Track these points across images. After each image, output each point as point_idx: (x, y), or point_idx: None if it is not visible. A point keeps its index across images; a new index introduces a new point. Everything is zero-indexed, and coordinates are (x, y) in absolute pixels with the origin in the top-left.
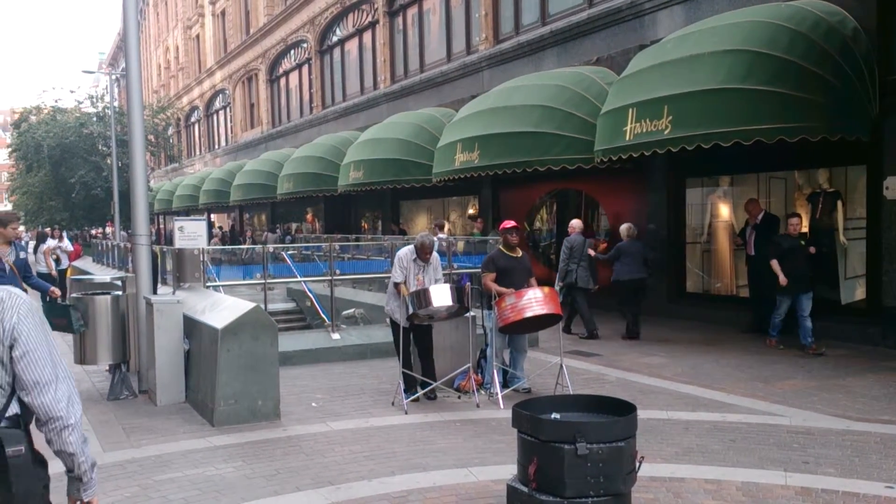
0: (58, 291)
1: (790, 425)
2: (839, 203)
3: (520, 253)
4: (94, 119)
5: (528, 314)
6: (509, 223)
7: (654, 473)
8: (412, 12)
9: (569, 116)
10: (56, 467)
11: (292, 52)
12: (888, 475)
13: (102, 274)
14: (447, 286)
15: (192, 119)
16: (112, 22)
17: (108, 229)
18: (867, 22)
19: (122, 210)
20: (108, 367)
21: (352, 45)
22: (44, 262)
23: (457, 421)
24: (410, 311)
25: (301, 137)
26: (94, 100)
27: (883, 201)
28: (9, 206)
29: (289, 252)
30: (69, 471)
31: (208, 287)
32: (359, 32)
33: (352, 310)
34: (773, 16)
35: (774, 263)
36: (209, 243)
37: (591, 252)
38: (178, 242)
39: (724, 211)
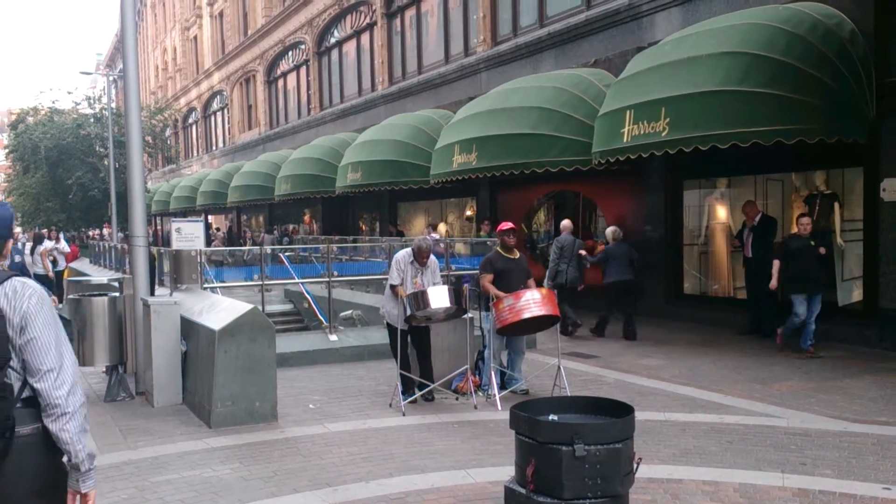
0: (56, 300)
1: (787, 427)
2: (836, 205)
3: (517, 254)
4: (92, 120)
5: (526, 315)
6: (506, 225)
7: (652, 475)
8: (410, 14)
9: (566, 118)
10: None
11: (290, 53)
12: (885, 476)
13: (99, 275)
14: (445, 288)
15: (190, 120)
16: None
17: (106, 231)
18: (865, 24)
19: (119, 211)
20: (105, 369)
21: (350, 47)
22: (40, 264)
23: (454, 423)
24: (408, 312)
25: (299, 139)
26: (92, 101)
27: (880, 203)
28: None
29: (286, 253)
30: (68, 460)
31: (206, 288)
32: (357, 34)
33: (349, 311)
34: (770, 18)
35: (776, 264)
36: (211, 245)
37: (583, 252)
38: (176, 244)
39: (722, 213)
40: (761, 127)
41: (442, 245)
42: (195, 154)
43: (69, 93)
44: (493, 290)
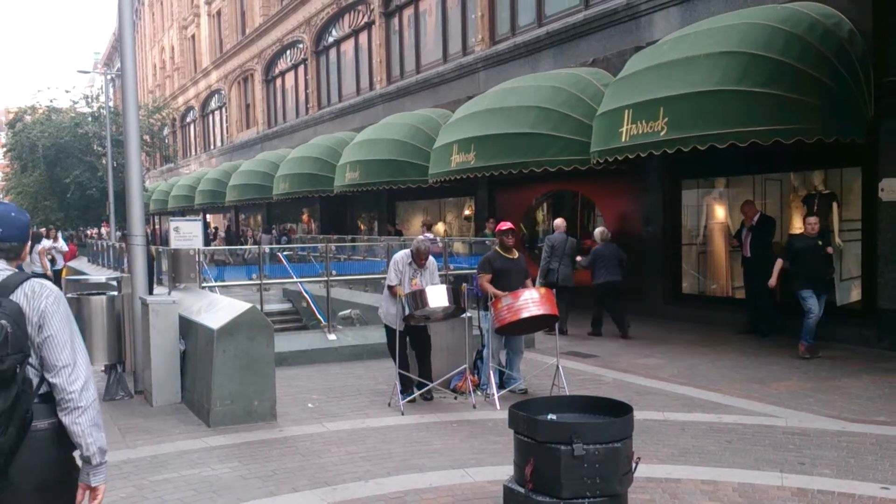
0: None
1: (786, 426)
2: (834, 205)
3: (516, 254)
4: (90, 119)
5: (525, 315)
6: (505, 224)
7: (651, 474)
8: (408, 13)
9: (565, 118)
10: None
11: (288, 52)
12: (883, 476)
13: (98, 274)
14: (443, 287)
15: (188, 119)
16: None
17: (104, 230)
18: (863, 24)
19: (117, 210)
20: (103, 368)
21: (348, 46)
22: (39, 263)
23: (453, 422)
24: (407, 311)
25: (297, 138)
26: (90, 100)
27: (878, 203)
28: None
29: (285, 253)
30: (80, 454)
31: (204, 287)
32: (355, 33)
33: (348, 310)
34: (768, 18)
35: (778, 262)
36: (212, 244)
37: (579, 259)
38: (174, 243)
39: (720, 212)
40: (760, 126)
41: (438, 243)
42: (193, 153)
43: (67, 91)
44: (491, 290)
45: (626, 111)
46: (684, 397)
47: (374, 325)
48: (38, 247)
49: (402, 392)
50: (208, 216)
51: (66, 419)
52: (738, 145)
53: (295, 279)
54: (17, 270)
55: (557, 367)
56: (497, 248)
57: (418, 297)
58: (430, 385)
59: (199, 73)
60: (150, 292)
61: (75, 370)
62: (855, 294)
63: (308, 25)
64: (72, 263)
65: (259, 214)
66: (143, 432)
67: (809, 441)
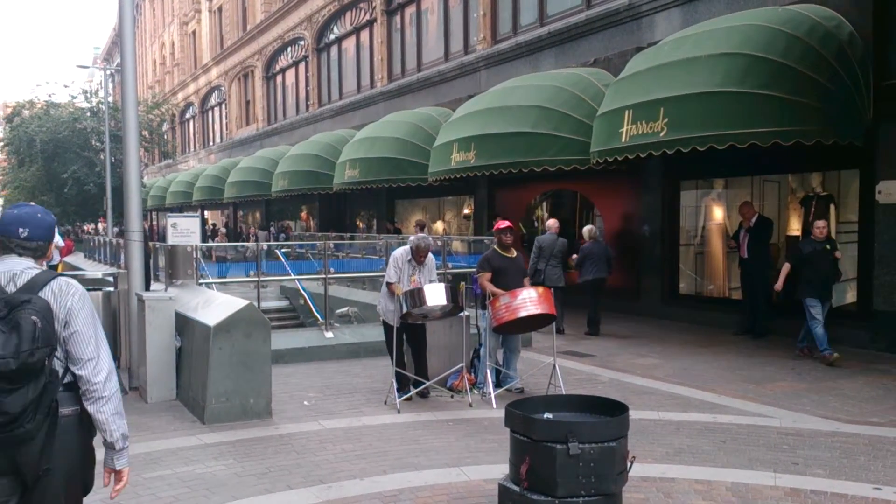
0: None
1: (780, 427)
2: (832, 207)
3: (514, 253)
4: (88, 114)
5: (523, 314)
6: (503, 223)
7: (645, 473)
8: (410, 11)
9: (565, 117)
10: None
11: (289, 49)
12: (876, 477)
13: (94, 270)
14: (441, 285)
15: (187, 115)
16: (107, 16)
17: (101, 225)
18: (863, 27)
19: (114, 206)
20: None
21: (349, 44)
22: None
23: (449, 420)
24: (404, 309)
25: (297, 135)
26: (88, 95)
27: (875, 206)
28: (0, 201)
29: (283, 250)
30: (104, 440)
31: (201, 284)
32: (356, 31)
33: (345, 308)
34: (769, 20)
35: (786, 267)
36: (214, 241)
37: (574, 256)
38: (171, 239)
39: (718, 213)
40: (759, 128)
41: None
42: (192, 149)
43: (66, 86)
44: (490, 288)
45: (627, 111)
46: (680, 397)
47: (372, 322)
48: None
49: (398, 390)
50: (206, 213)
51: (91, 408)
52: (738, 146)
53: (293, 276)
54: (44, 268)
55: (554, 367)
56: (496, 247)
57: (416, 296)
58: (427, 383)
59: (199, 69)
60: (147, 288)
61: (99, 363)
62: (850, 296)
63: (309, 22)
64: (68, 259)
65: (258, 211)
66: (137, 429)
67: (803, 441)
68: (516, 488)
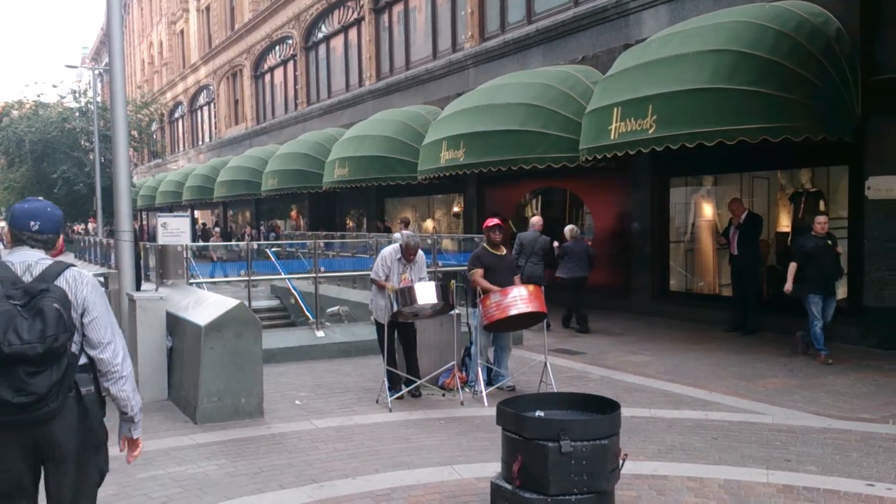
0: None
1: (772, 423)
2: (821, 203)
3: (504, 251)
4: (77, 114)
5: (513, 312)
6: (492, 221)
7: (638, 471)
8: (398, 10)
9: (554, 115)
10: None
11: (277, 48)
12: (868, 473)
13: (84, 270)
14: (432, 283)
15: (176, 115)
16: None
17: (91, 225)
18: (850, 23)
19: (104, 206)
20: None
21: (337, 42)
22: None
23: (441, 419)
24: (395, 308)
25: (286, 134)
26: (77, 95)
27: (865, 201)
28: None
29: (273, 249)
30: (122, 413)
31: (191, 284)
32: (344, 29)
33: (336, 307)
34: (757, 16)
35: (792, 266)
36: (210, 240)
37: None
38: (162, 239)
39: (708, 210)
40: (748, 125)
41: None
42: (181, 149)
43: (54, 86)
44: (483, 284)
45: (615, 109)
46: (671, 394)
47: (363, 321)
48: None
49: (390, 389)
50: (196, 212)
51: (113, 388)
52: (727, 143)
53: (283, 276)
54: (55, 260)
55: (545, 364)
56: (485, 244)
57: (407, 294)
58: (418, 382)
59: (187, 68)
60: (138, 288)
61: (116, 346)
62: (841, 292)
63: (297, 21)
64: (59, 259)
65: (247, 210)
66: None
67: (795, 438)
68: (508, 486)
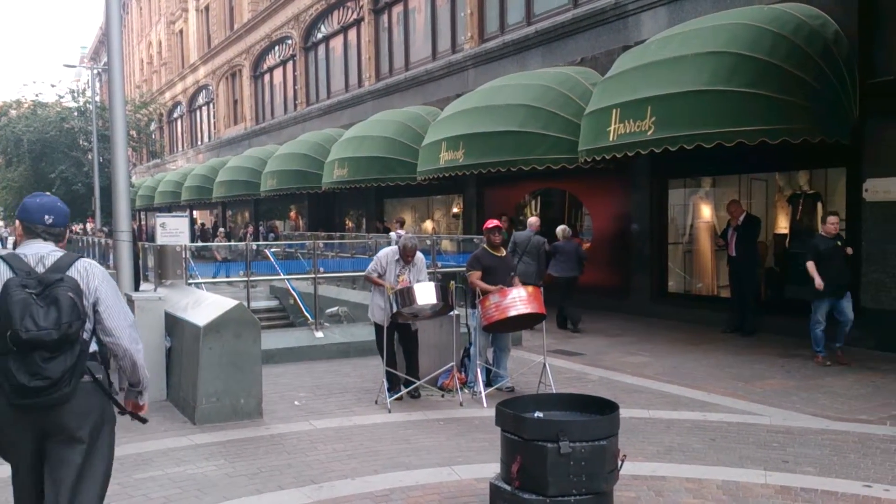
0: None
1: (770, 424)
2: (819, 205)
3: (503, 252)
4: (76, 114)
5: (512, 313)
6: (492, 223)
7: (636, 472)
8: (398, 10)
9: (553, 116)
10: None
11: (277, 48)
12: (866, 474)
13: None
14: (432, 284)
15: (175, 115)
16: (94, 16)
17: (89, 225)
18: (848, 25)
19: (103, 206)
20: None
21: (337, 43)
22: None
23: (440, 420)
24: (395, 308)
25: (285, 134)
26: (76, 94)
27: (862, 203)
28: None
29: (272, 250)
30: (133, 386)
31: (190, 284)
32: (344, 30)
33: (335, 308)
34: (755, 18)
35: (811, 265)
36: (213, 240)
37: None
38: (160, 239)
39: (706, 212)
40: (746, 127)
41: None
42: (180, 149)
43: (53, 86)
44: (481, 286)
45: (614, 110)
46: (670, 395)
47: (362, 322)
48: None
49: (389, 390)
50: (195, 212)
51: (129, 367)
52: (725, 145)
53: (282, 276)
54: (66, 252)
55: (544, 365)
56: (485, 245)
57: (406, 295)
58: (418, 383)
59: (186, 68)
60: (136, 289)
61: (129, 331)
62: None
63: (297, 21)
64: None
65: (246, 211)
66: (127, 429)
67: (793, 439)
68: (507, 487)
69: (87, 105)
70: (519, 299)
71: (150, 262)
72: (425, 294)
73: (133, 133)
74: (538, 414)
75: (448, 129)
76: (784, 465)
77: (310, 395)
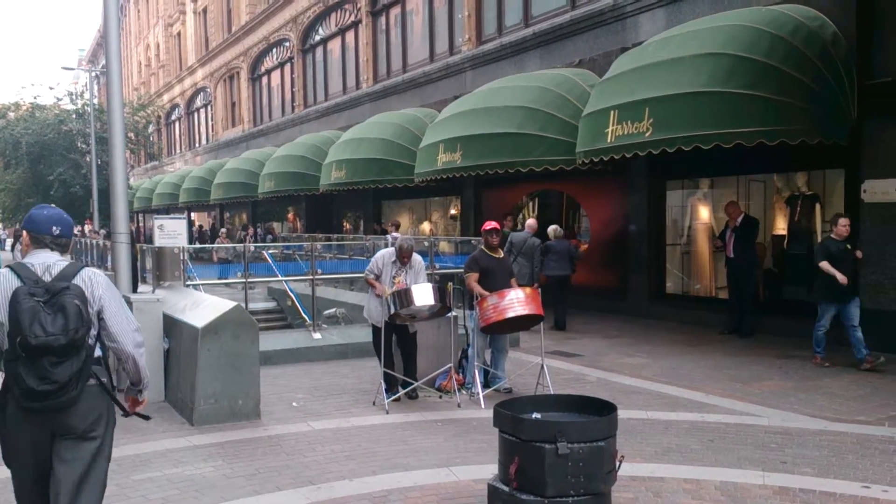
0: None
1: (768, 425)
2: (817, 206)
3: (501, 254)
4: (74, 116)
5: (510, 314)
6: (489, 224)
7: (634, 473)
8: (395, 12)
9: (551, 118)
10: None
11: (274, 50)
12: (864, 475)
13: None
14: (429, 285)
15: (173, 117)
16: (92, 18)
17: (87, 227)
18: (846, 27)
19: (101, 208)
20: None
21: (334, 45)
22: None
23: (438, 421)
24: (392, 310)
25: (282, 136)
26: (74, 97)
27: (861, 205)
28: None
29: (270, 251)
30: (134, 385)
31: (188, 286)
32: (341, 32)
33: (333, 309)
34: (753, 20)
35: (825, 265)
36: (214, 242)
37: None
38: (159, 241)
39: (704, 213)
40: (744, 128)
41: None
42: (178, 151)
43: (51, 88)
44: (477, 289)
45: (612, 112)
46: (668, 396)
47: (360, 323)
48: (20, 245)
49: (386, 391)
50: (193, 214)
51: (132, 369)
52: (723, 146)
53: (280, 278)
54: (71, 261)
55: (542, 367)
56: (483, 247)
57: (404, 296)
58: (415, 384)
59: (184, 70)
60: (134, 290)
61: (133, 336)
62: None
63: (294, 24)
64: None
65: (244, 213)
66: (125, 431)
67: (791, 440)
68: (505, 488)
69: (86, 107)
70: (517, 301)
71: (149, 264)
72: (423, 295)
73: (131, 135)
74: (536, 415)
75: (446, 130)
76: (782, 465)
77: (308, 397)
